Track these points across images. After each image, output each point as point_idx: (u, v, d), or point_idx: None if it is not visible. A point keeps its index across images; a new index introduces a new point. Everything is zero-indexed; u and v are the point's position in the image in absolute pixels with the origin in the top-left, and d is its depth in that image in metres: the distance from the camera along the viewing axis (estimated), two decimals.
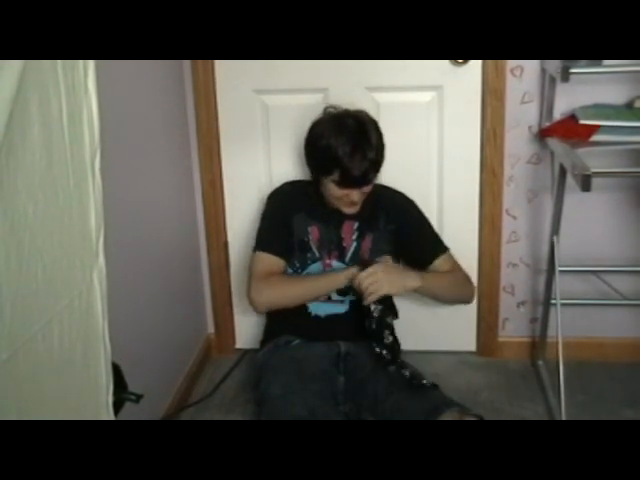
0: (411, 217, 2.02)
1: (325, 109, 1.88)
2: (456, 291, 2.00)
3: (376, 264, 1.80)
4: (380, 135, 1.81)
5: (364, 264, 1.81)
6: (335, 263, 1.94)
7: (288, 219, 1.94)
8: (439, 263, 1.98)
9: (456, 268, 2.01)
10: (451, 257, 2.01)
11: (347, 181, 1.77)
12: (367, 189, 1.83)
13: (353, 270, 1.80)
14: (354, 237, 1.95)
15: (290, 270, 1.96)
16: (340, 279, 1.84)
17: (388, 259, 1.91)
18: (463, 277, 2.02)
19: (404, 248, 1.99)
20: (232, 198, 2.31)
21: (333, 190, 1.82)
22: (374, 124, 1.81)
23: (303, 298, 1.91)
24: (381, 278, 1.75)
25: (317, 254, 1.94)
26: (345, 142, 1.74)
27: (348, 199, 1.83)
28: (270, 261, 1.91)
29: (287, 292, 1.90)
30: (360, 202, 1.85)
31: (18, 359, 0.90)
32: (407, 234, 1.99)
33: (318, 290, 1.90)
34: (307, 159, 1.89)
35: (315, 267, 1.95)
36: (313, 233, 1.94)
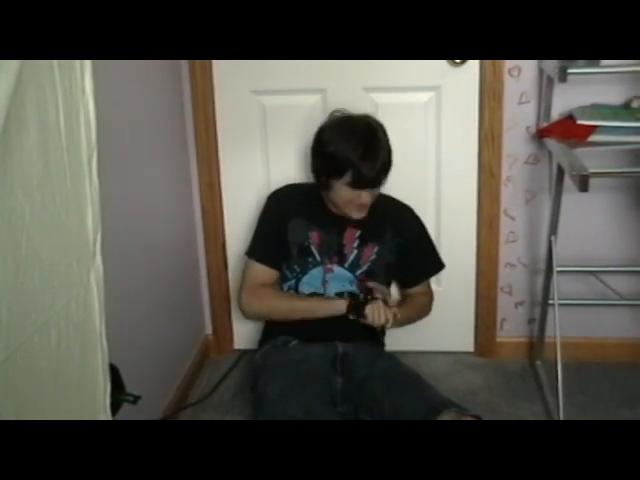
0: (417, 235, 2.06)
1: (331, 114, 1.88)
2: (412, 320, 2.06)
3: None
4: (387, 139, 1.82)
5: (367, 292, 1.91)
6: (336, 268, 1.95)
7: (284, 225, 1.94)
8: (417, 289, 2.10)
9: (426, 292, 2.12)
10: (429, 286, 2.14)
11: (360, 182, 1.78)
12: (377, 191, 1.85)
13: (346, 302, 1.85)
14: (355, 245, 1.95)
15: (289, 274, 1.96)
16: (341, 307, 1.84)
17: (384, 288, 1.95)
18: (425, 304, 2.11)
19: (400, 264, 2.03)
20: (230, 199, 2.31)
21: (344, 192, 1.81)
22: (381, 127, 1.82)
23: (291, 317, 1.92)
24: None
25: (319, 258, 1.94)
26: (356, 145, 1.75)
27: (359, 200, 1.82)
28: (262, 272, 1.95)
29: (274, 309, 1.95)
30: (369, 205, 1.85)
31: (15, 360, 0.90)
32: (411, 252, 2.03)
33: (312, 314, 1.89)
34: (314, 164, 1.88)
35: (316, 272, 1.94)
36: (313, 237, 1.94)
